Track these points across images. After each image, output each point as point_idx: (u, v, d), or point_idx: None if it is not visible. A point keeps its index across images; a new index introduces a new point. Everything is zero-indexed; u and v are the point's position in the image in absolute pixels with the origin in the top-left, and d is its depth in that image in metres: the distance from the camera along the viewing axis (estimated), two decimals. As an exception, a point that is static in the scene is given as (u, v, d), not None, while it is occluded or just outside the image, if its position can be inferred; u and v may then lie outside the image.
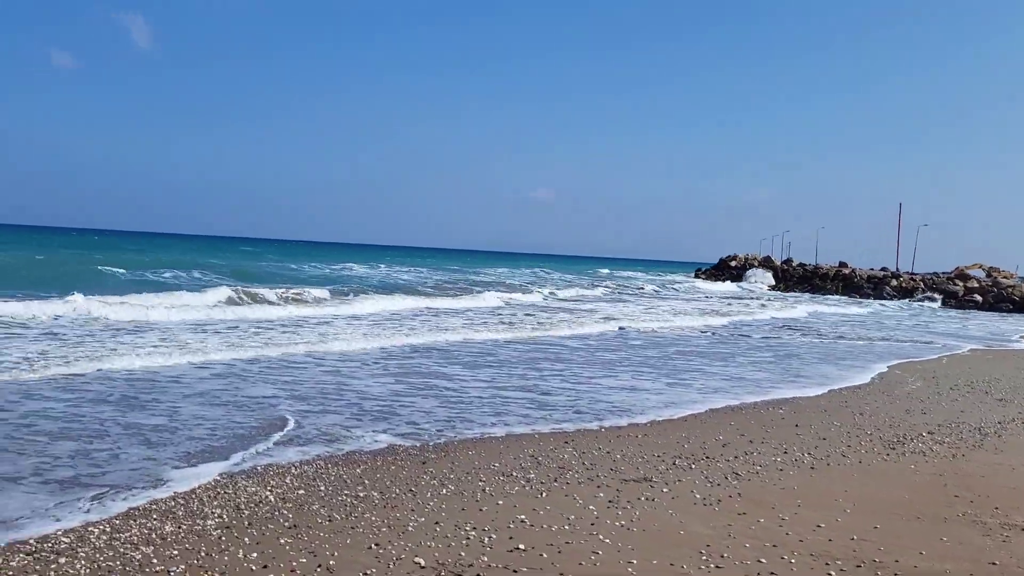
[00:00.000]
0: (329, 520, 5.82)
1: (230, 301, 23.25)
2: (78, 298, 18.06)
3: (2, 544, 5.10)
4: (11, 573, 4.65)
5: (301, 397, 10.54)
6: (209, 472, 6.96)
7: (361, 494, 6.49)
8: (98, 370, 11.43)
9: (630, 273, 78.81)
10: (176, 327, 17.18)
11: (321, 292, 27.71)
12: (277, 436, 8.42)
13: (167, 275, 34.81)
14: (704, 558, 5.24)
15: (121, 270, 33.43)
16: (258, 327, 18.27)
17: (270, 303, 23.90)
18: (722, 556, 5.28)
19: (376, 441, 8.41)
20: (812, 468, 7.91)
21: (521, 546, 5.36)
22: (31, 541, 5.16)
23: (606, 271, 79.52)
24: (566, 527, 5.81)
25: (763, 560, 5.22)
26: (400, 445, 8.28)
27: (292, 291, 26.66)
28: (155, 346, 14.13)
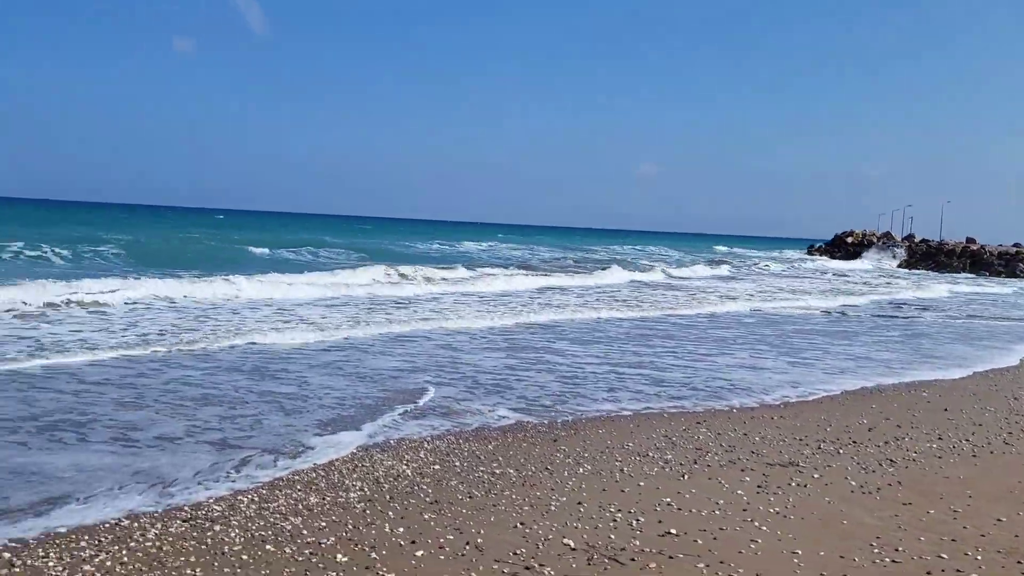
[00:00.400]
0: (469, 497, 5.70)
1: (384, 280, 23.73)
2: (231, 278, 18.76)
3: (160, 510, 5.21)
4: (171, 539, 4.72)
5: (422, 369, 10.57)
6: (344, 442, 7.00)
7: (497, 471, 6.36)
8: (231, 345, 11.74)
9: (744, 250, 76.19)
10: (313, 304, 17.54)
11: (460, 272, 27.75)
12: (401, 408, 8.44)
13: (298, 253, 35.71)
14: (876, 551, 4.84)
15: (264, 250, 34.47)
16: (385, 303, 18.56)
17: (409, 281, 24.17)
18: (896, 549, 4.86)
19: (503, 417, 8.30)
20: (974, 456, 7.30)
21: (673, 530, 5.09)
22: (186, 508, 5.26)
23: (723, 248, 77.14)
24: (716, 512, 5.50)
25: (944, 555, 4.78)
26: (528, 422, 8.13)
27: (432, 270, 26.92)
28: (285, 321, 14.52)
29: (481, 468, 6.44)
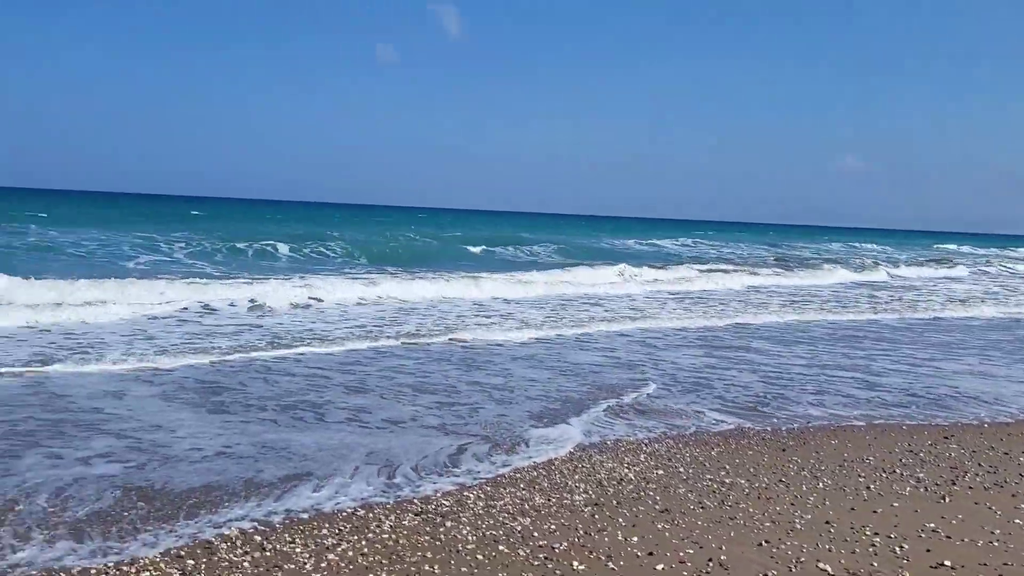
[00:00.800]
0: (701, 507, 5.33)
1: (623, 276, 24.10)
2: (444, 274, 19.49)
3: (391, 501, 5.26)
4: (405, 533, 4.73)
5: (624, 365, 10.35)
6: (558, 438, 6.91)
7: (727, 480, 5.94)
8: (449, 339, 11.97)
9: (968, 248, 68.70)
10: (520, 301, 17.57)
11: (671, 272, 27.14)
12: (604, 404, 8.33)
13: (505, 249, 36.20)
14: None
15: (481, 247, 35.41)
16: (594, 300, 18.50)
17: (626, 279, 24.00)
18: None
19: (721, 421, 7.84)
20: None
21: (947, 562, 4.45)
22: (416, 501, 5.28)
23: (952, 246, 70.18)
24: (995, 543, 4.78)
25: None
26: (750, 428, 7.62)
27: (648, 269, 26.61)
28: (487, 316, 14.78)
29: (708, 476, 6.04)
